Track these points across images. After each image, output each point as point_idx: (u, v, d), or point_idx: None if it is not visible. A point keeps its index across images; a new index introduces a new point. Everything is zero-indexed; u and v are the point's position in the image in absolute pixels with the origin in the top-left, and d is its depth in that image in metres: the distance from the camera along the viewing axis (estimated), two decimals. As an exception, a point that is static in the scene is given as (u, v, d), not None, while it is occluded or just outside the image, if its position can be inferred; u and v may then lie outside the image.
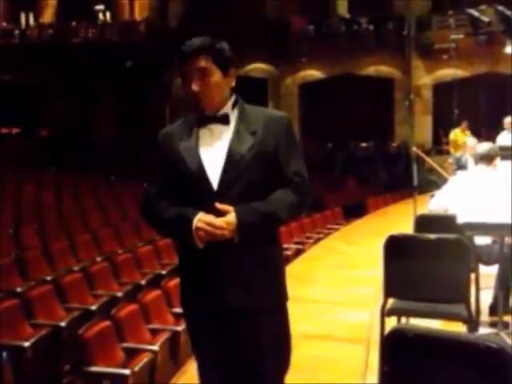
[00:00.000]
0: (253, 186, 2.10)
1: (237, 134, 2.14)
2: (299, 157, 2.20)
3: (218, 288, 2.10)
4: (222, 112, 2.17)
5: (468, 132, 12.91)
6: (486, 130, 12.65)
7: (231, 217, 2.03)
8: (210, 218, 2.04)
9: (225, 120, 2.17)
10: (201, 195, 2.09)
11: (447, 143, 16.14)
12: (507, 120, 10.28)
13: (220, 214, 2.05)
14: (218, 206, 2.05)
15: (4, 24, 20.93)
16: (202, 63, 2.12)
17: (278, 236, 2.25)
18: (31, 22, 20.47)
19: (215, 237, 2.03)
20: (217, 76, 2.14)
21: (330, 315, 4.95)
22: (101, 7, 19.96)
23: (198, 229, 2.04)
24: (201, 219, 2.04)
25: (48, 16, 21.04)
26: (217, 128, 2.17)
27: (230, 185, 2.09)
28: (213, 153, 2.14)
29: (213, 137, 2.17)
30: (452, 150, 12.77)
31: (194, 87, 2.11)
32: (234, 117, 2.18)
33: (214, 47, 2.15)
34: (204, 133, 2.18)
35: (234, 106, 2.20)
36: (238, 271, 2.09)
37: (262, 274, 2.12)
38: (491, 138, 9.93)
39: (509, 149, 6.66)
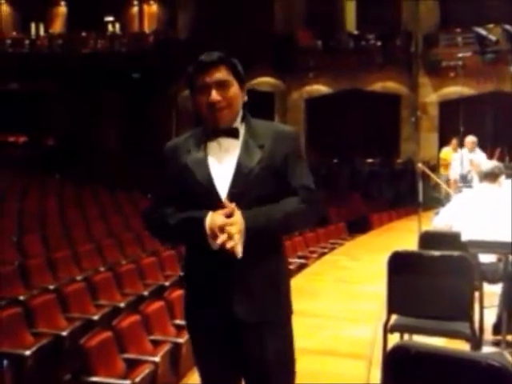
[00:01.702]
0: (261, 199, 2.09)
1: (245, 147, 2.15)
2: (307, 171, 2.20)
3: (224, 300, 2.09)
4: (232, 125, 2.17)
5: (460, 150, 11.66)
6: (492, 148, 12.42)
7: (238, 217, 2.01)
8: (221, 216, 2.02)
9: (234, 134, 2.16)
10: (209, 208, 2.06)
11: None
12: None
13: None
14: (225, 202, 2.03)
15: (14, 33, 21.13)
16: (223, 74, 2.13)
17: (284, 248, 2.25)
18: (41, 31, 20.67)
19: (229, 234, 1.98)
20: (235, 88, 2.15)
21: (333, 330, 4.92)
22: (110, 18, 20.14)
23: (211, 226, 2.01)
24: (213, 217, 2.02)
25: (58, 26, 21.22)
26: (225, 141, 2.16)
27: (238, 198, 2.07)
28: (221, 166, 2.14)
29: (221, 150, 2.16)
30: (442, 170, 11.86)
31: (215, 97, 2.10)
32: (242, 131, 2.18)
33: (232, 60, 2.17)
34: (212, 146, 2.17)
35: (242, 120, 2.20)
36: (243, 283, 2.08)
37: (268, 286, 2.11)
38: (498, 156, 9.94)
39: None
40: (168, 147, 2.26)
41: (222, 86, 2.11)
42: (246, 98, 2.21)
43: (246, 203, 2.06)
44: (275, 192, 2.10)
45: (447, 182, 10.71)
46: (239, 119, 2.19)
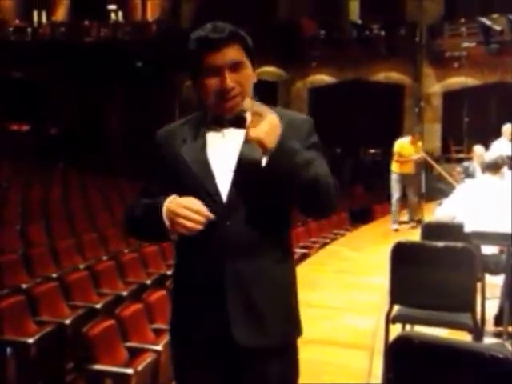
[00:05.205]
0: (270, 199, 1.76)
1: None
2: (323, 163, 1.83)
3: (220, 320, 1.76)
4: (239, 113, 1.81)
5: (420, 144, 9.49)
6: (496, 139, 12.29)
7: (271, 119, 1.68)
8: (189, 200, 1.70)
9: (240, 122, 1.79)
10: (207, 207, 1.72)
11: (456, 152, 16.07)
12: (508, 126, 8.90)
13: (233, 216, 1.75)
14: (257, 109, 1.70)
15: (17, 21, 21.05)
16: (237, 53, 1.77)
17: (293, 258, 1.93)
18: (44, 19, 20.59)
19: (192, 222, 1.67)
20: (249, 70, 1.81)
21: (334, 320, 4.93)
22: (113, 7, 20.07)
23: (170, 210, 1.69)
24: (175, 199, 1.71)
25: (61, 14, 21.14)
26: (229, 131, 1.82)
27: (241, 197, 1.75)
28: (222, 160, 1.80)
29: (224, 141, 1.82)
30: (394, 167, 9.33)
31: (230, 83, 1.75)
32: (248, 117, 1.79)
33: (244, 35, 1.81)
34: (212, 136, 1.83)
35: None
36: (247, 299, 1.76)
37: (276, 304, 1.80)
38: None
39: None
40: (160, 135, 1.90)
41: (235, 68, 1.76)
42: (255, 79, 1.85)
43: (251, 204, 1.76)
44: (286, 190, 1.76)
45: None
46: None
